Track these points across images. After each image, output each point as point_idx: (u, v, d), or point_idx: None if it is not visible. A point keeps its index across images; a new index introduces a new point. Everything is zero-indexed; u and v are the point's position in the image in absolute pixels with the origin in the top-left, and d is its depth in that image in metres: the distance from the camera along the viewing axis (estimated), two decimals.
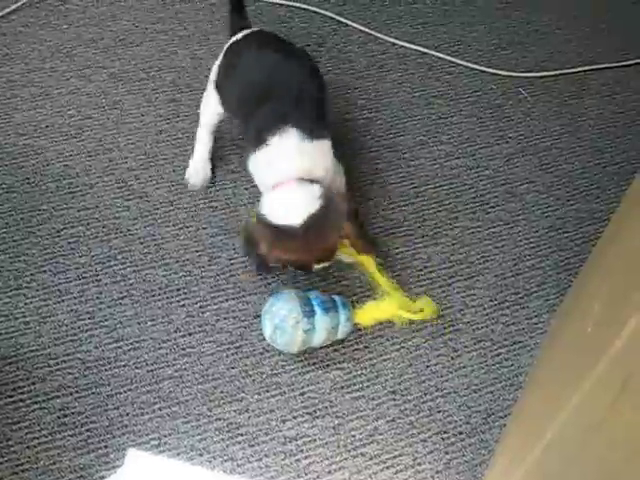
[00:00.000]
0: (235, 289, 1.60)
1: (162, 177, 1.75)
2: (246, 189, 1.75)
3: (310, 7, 2.15)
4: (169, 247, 1.64)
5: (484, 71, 2.09)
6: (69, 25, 2.02)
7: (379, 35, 2.12)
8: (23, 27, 1.99)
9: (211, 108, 1.71)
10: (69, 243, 1.62)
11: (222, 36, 1.88)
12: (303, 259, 1.48)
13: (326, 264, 1.52)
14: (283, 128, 1.48)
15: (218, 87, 1.67)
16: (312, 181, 1.47)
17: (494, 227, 1.77)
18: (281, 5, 2.16)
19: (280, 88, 1.54)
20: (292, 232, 1.43)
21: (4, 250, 1.60)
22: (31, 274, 1.58)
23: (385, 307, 1.52)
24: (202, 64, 1.95)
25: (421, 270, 1.67)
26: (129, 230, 1.66)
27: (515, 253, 1.73)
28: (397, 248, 1.70)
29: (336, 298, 1.52)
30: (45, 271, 1.58)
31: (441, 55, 2.10)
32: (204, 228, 1.68)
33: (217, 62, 1.69)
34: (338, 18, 2.15)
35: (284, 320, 1.43)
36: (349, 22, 2.14)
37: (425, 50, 2.11)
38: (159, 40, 1.98)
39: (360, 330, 1.56)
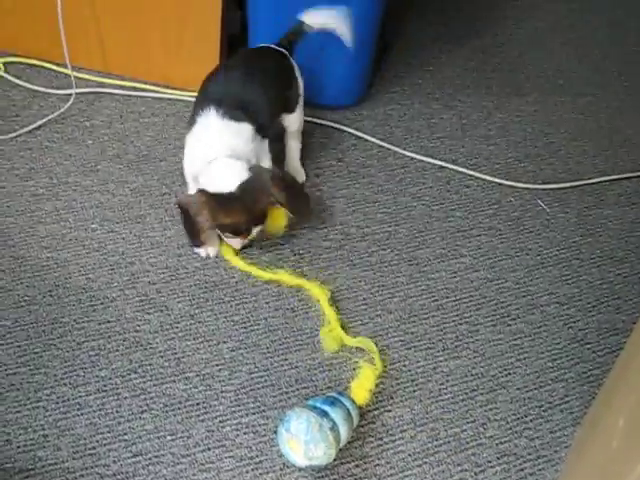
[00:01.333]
0: (256, 404, 1.59)
1: (183, 291, 1.76)
2: (267, 303, 1.75)
3: (329, 122, 2.20)
4: (189, 361, 1.64)
5: (502, 184, 2.11)
6: (94, 140, 2.07)
7: (397, 149, 2.16)
8: (49, 142, 2.04)
9: None
10: (89, 356, 1.63)
11: None
12: (241, 221, 1.71)
13: (259, 228, 1.76)
14: (208, 108, 1.76)
15: None
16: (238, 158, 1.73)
17: (515, 339, 1.76)
18: None
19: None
20: (230, 197, 1.68)
21: (24, 362, 1.60)
22: (51, 387, 1.57)
23: (364, 378, 1.58)
24: None
25: (442, 384, 1.66)
26: (149, 343, 1.66)
27: (537, 365, 1.72)
28: (418, 362, 1.69)
29: (329, 393, 1.54)
30: (65, 384, 1.58)
31: (459, 168, 2.13)
32: (224, 342, 1.68)
33: None
34: (357, 133, 2.19)
35: (308, 432, 1.41)
36: (368, 137, 2.18)
37: (443, 164, 2.14)
38: (181, 156, 2.02)
39: (382, 444, 1.54)
